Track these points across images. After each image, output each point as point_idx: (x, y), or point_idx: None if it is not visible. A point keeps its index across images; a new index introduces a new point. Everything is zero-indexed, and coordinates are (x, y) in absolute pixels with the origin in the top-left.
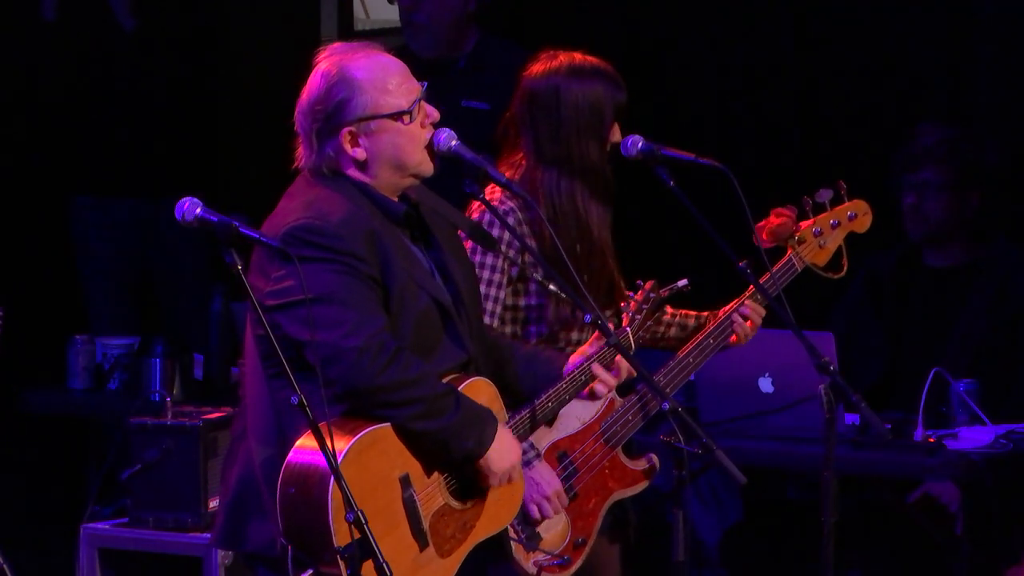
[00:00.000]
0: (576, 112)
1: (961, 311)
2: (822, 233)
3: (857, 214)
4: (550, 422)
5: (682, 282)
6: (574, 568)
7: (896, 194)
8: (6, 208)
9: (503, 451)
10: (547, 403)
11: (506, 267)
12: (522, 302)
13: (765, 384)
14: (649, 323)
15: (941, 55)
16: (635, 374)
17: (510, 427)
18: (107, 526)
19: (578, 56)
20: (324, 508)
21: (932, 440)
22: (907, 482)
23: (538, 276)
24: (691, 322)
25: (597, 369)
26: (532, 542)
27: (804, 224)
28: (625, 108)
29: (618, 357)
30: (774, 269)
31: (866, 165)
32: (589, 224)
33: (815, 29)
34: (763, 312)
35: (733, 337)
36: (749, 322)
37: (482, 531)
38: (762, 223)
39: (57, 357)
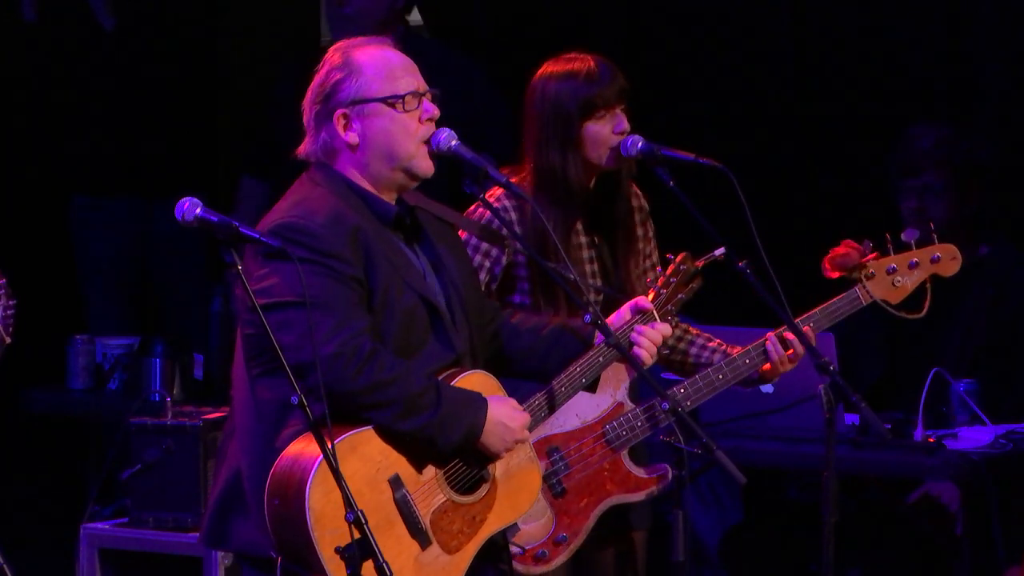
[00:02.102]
0: (540, 117)
1: (961, 311)
2: (897, 271)
3: (942, 257)
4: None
5: (719, 251)
6: (554, 564)
7: (894, 198)
8: (6, 208)
9: (500, 431)
10: (559, 388)
11: (487, 264)
12: (516, 299)
13: (765, 384)
14: (680, 296)
15: (941, 55)
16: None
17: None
18: (107, 526)
19: (561, 59)
20: (303, 519)
21: (932, 440)
22: (907, 482)
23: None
24: (713, 346)
25: (636, 336)
26: (512, 529)
27: (870, 257)
28: (607, 99)
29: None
30: (833, 300)
31: (866, 165)
32: (545, 230)
33: (815, 29)
34: (802, 350)
35: (767, 365)
36: (790, 351)
37: (496, 522)
38: (830, 253)
39: (57, 357)
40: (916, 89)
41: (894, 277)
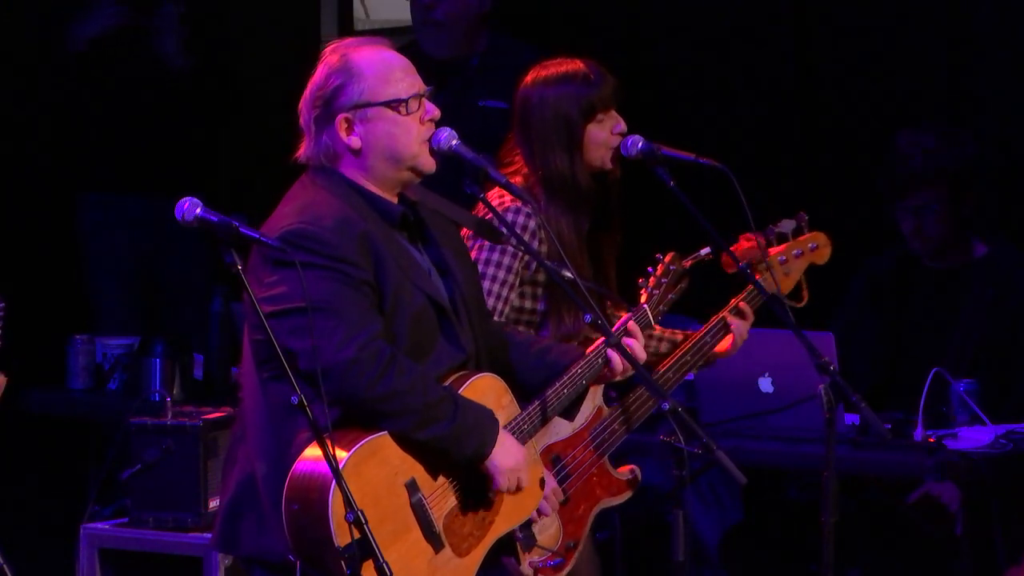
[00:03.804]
0: (542, 123)
1: (961, 311)
2: (787, 262)
3: (818, 245)
4: (566, 411)
5: (704, 251)
6: (566, 570)
7: (891, 216)
8: (6, 207)
9: (507, 451)
10: (562, 390)
11: (519, 267)
12: (528, 304)
13: (765, 384)
14: (671, 296)
15: (940, 56)
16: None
17: (522, 419)
18: (107, 526)
19: (552, 63)
20: (325, 522)
21: (932, 440)
22: (907, 482)
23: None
24: (679, 338)
25: (612, 354)
26: (530, 541)
27: (772, 251)
28: (606, 100)
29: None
30: (742, 295)
31: (866, 166)
32: (562, 237)
33: (815, 29)
34: (751, 316)
35: (727, 342)
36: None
37: (503, 524)
38: (732, 247)
39: (57, 357)
40: (916, 90)
41: (784, 267)
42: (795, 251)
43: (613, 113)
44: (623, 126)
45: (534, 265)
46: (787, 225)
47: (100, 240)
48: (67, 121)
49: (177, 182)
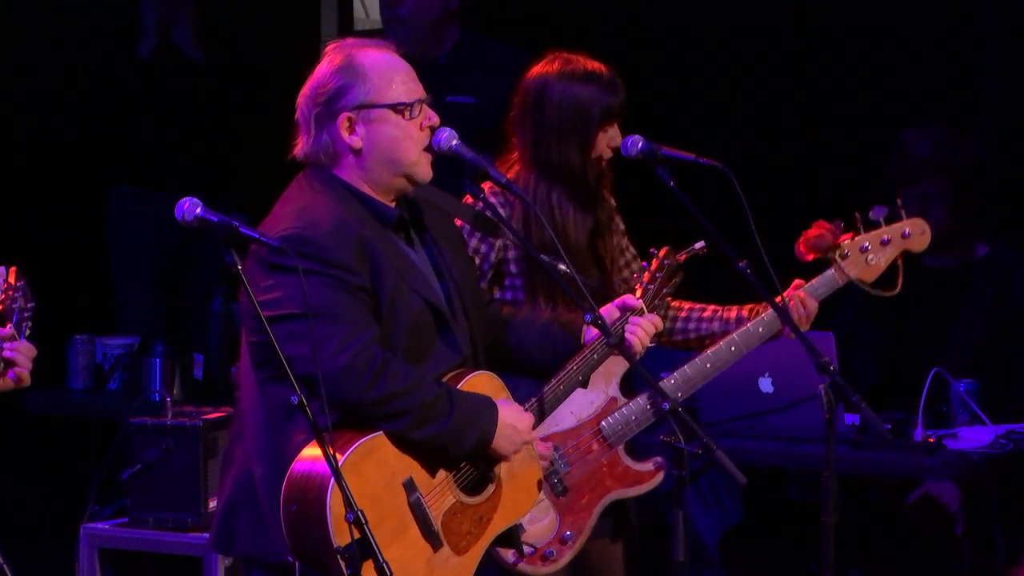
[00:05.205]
0: (559, 115)
1: (961, 311)
2: (870, 249)
3: (912, 232)
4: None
5: (699, 244)
6: (561, 562)
7: (894, 207)
8: (6, 208)
9: (508, 435)
10: (558, 387)
11: (477, 261)
12: (505, 295)
13: (765, 384)
14: (665, 291)
15: (941, 56)
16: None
17: None
18: (107, 526)
19: (575, 59)
20: (324, 522)
21: (932, 440)
22: (907, 482)
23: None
24: (731, 315)
25: (632, 327)
26: (516, 533)
27: (844, 238)
28: (619, 111)
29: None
30: (812, 281)
31: (866, 165)
32: (566, 230)
33: (815, 29)
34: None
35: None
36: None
37: (501, 522)
38: (803, 235)
39: (57, 357)
40: (916, 89)
41: (867, 255)
42: (883, 238)
43: (616, 126)
44: (619, 141)
45: (506, 255)
46: (879, 212)
47: (131, 233)
48: (89, 119)
49: (200, 179)
